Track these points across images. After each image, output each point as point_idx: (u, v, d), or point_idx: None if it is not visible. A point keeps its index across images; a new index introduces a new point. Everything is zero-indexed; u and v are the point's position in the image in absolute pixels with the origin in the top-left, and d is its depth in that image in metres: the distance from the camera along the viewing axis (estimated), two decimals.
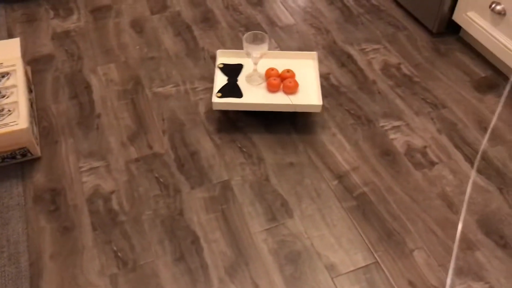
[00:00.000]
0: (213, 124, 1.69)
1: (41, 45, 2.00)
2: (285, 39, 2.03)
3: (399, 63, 1.93)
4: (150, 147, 1.61)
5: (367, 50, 1.99)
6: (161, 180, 1.52)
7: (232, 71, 1.74)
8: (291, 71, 1.69)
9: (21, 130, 1.47)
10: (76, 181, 1.52)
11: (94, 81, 1.84)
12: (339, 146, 1.62)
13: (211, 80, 1.85)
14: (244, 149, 1.61)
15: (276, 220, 1.42)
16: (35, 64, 1.91)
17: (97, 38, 2.04)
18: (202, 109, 1.74)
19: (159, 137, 1.65)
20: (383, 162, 1.57)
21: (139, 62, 1.92)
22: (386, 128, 1.68)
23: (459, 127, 1.68)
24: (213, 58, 1.95)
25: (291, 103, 1.60)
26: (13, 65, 1.67)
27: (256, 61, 1.65)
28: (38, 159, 1.58)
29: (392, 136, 1.65)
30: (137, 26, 2.10)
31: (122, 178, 1.52)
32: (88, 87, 1.82)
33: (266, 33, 2.06)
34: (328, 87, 1.83)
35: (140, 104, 1.76)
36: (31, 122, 1.55)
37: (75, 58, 1.94)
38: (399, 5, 2.22)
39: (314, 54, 1.78)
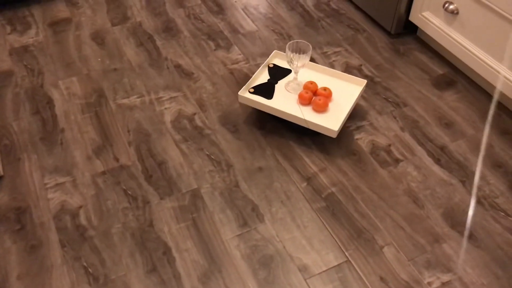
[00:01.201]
0: (180, 133, 1.68)
1: None
2: (248, 46, 2.05)
3: (360, 65, 1.97)
4: (117, 160, 1.59)
5: (328, 53, 2.02)
6: (129, 192, 1.50)
7: (278, 73, 1.76)
8: (329, 89, 1.66)
9: None
10: (41, 198, 1.48)
11: (56, 96, 1.81)
12: (305, 149, 1.64)
13: (176, 89, 1.84)
14: (212, 157, 1.61)
15: (248, 226, 1.43)
16: None
17: (57, 52, 2.00)
18: (168, 118, 1.73)
19: (125, 149, 1.63)
20: (349, 162, 1.60)
21: (101, 74, 1.90)
22: (351, 128, 1.71)
23: (421, 124, 1.73)
24: (177, 67, 1.94)
25: (303, 117, 1.59)
26: None
27: (297, 70, 1.64)
28: (0, 178, 1.53)
29: (357, 136, 1.68)
30: (98, 38, 2.08)
31: (89, 193, 1.50)
32: (50, 102, 1.79)
33: (229, 40, 2.07)
34: None
35: (105, 117, 1.73)
36: None
37: (35, 73, 1.90)
38: (358, 8, 2.27)
39: (363, 81, 1.72)
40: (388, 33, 2.13)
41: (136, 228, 1.41)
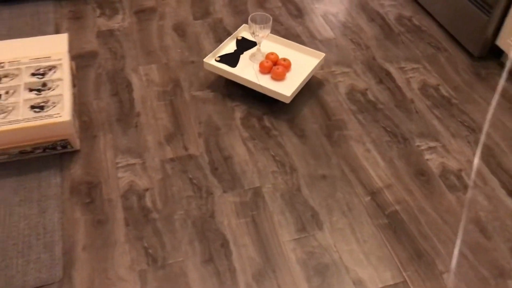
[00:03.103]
0: (248, 130, 1.71)
1: (86, 42, 2.06)
2: (324, 53, 2.04)
3: (438, 84, 1.92)
4: (186, 149, 1.64)
5: (406, 68, 1.98)
6: (194, 181, 1.54)
7: (245, 45, 1.90)
8: (288, 60, 1.79)
9: (64, 123, 1.52)
10: (112, 176, 1.55)
11: (135, 80, 1.89)
12: (373, 162, 1.62)
13: (247, 88, 1.87)
14: (277, 158, 1.62)
15: (306, 231, 1.42)
16: (80, 60, 1.97)
17: (140, 39, 2.08)
18: (238, 115, 1.76)
19: (195, 139, 1.67)
20: (417, 181, 1.56)
21: (179, 65, 1.96)
22: (422, 148, 1.67)
23: (496, 153, 1.66)
24: None
25: (258, 82, 1.71)
26: (60, 60, 1.72)
27: (260, 41, 1.77)
28: (77, 151, 1.62)
29: (427, 156, 1.64)
30: (180, 30, 2.14)
31: (156, 177, 1.55)
32: (129, 86, 1.86)
33: (305, 45, 2.08)
34: (365, 103, 1.83)
35: (178, 106, 1.79)
36: (73, 115, 1.59)
37: (118, 57, 1.99)
38: (441, 27, 2.21)
39: (322, 55, 1.86)
40: (470, 55, 2.06)
41: (197, 217, 1.44)
